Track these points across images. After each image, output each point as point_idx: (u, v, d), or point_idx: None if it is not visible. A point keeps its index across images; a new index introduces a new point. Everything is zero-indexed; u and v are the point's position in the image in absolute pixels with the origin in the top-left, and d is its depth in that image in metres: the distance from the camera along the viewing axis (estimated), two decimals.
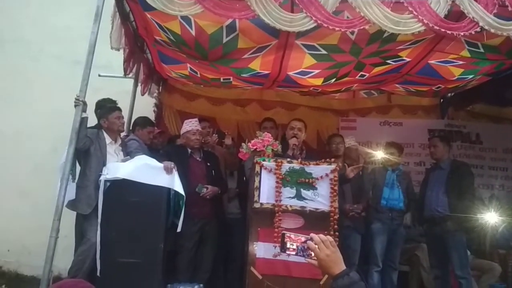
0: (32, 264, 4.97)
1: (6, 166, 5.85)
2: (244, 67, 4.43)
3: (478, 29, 3.30)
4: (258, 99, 6.45)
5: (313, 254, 1.59)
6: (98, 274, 3.66)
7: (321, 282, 3.44)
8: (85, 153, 3.96)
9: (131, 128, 4.95)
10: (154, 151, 4.60)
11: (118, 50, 4.26)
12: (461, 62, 4.31)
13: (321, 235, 1.61)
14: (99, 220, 3.76)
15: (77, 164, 3.96)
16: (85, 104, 3.67)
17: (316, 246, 1.58)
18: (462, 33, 3.32)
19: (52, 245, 3.41)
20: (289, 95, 6.25)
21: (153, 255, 3.81)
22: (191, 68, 4.78)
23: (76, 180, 3.88)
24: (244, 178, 4.66)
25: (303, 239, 1.62)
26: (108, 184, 3.85)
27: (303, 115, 6.07)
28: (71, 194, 3.80)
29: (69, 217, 4.06)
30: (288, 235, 1.64)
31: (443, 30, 3.30)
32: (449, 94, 6.08)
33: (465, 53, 4.06)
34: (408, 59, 4.30)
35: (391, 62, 4.37)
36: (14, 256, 5.61)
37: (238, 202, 4.83)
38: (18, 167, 5.85)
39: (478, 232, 5.03)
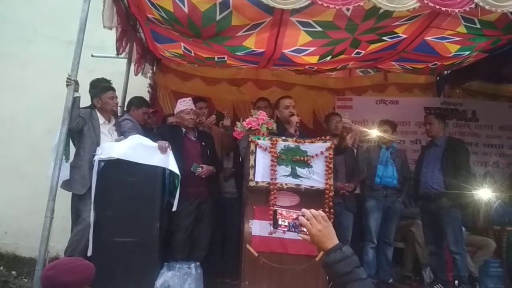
0: (30, 246, 4.97)
1: (1, 149, 5.83)
2: (238, 45, 4.38)
3: (473, 6, 3.26)
4: (254, 78, 6.41)
5: (305, 230, 1.58)
6: (88, 254, 3.67)
7: (317, 259, 3.48)
8: (79, 133, 3.93)
9: (125, 108, 4.92)
10: (148, 131, 4.57)
11: (111, 29, 4.18)
12: (457, 39, 4.27)
13: (313, 210, 1.60)
14: (92, 200, 3.76)
15: (71, 145, 3.94)
16: (77, 83, 3.63)
17: (308, 221, 1.57)
18: (456, 10, 3.28)
19: (48, 226, 3.43)
20: (284, 74, 6.21)
21: (149, 234, 3.82)
22: (185, 47, 4.73)
23: (70, 161, 3.87)
24: (240, 159, 4.66)
25: (294, 215, 1.61)
26: (102, 164, 3.84)
27: (299, 94, 6.08)
28: (65, 174, 3.79)
29: (67, 199, 4.06)
30: (280, 211, 1.63)
31: (437, 6, 3.27)
32: (446, 72, 6.06)
33: (462, 29, 4.02)
34: (404, 36, 4.26)
35: (387, 39, 4.33)
36: (11, 238, 5.63)
37: (234, 181, 4.85)
38: (14, 150, 5.82)
39: (473, 208, 5.07)
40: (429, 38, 4.32)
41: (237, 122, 4.14)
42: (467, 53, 4.66)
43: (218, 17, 3.76)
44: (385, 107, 6.23)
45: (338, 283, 1.51)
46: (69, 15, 5.00)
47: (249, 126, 3.92)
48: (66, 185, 3.90)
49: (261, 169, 3.76)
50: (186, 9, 3.68)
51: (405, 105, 6.24)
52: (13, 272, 5.07)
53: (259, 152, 3.79)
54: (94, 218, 3.76)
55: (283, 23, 3.93)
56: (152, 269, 3.81)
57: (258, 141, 3.80)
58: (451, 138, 5.09)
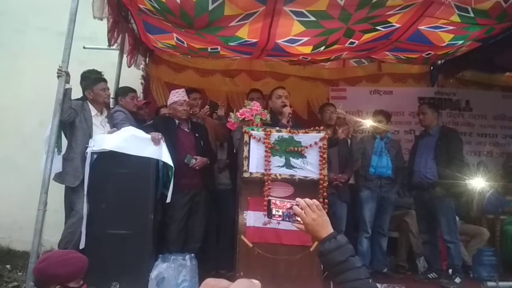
0: (24, 239, 4.95)
1: None
2: (231, 35, 4.34)
3: None
4: (247, 69, 6.36)
5: (299, 219, 1.57)
6: (80, 247, 3.65)
7: (311, 249, 3.48)
8: (71, 125, 3.90)
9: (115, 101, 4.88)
10: (140, 122, 4.54)
11: (101, 19, 4.14)
12: (451, 28, 4.25)
13: (307, 199, 1.58)
14: (85, 192, 3.73)
15: (63, 137, 3.91)
16: (68, 74, 3.60)
17: (302, 210, 1.56)
18: None
19: (40, 219, 3.41)
20: (278, 65, 6.18)
21: (143, 226, 3.81)
22: (177, 38, 4.68)
23: (62, 153, 3.84)
24: (234, 150, 4.65)
25: (288, 205, 1.60)
26: (95, 156, 3.81)
27: (293, 85, 6.05)
28: (57, 167, 3.77)
29: (60, 192, 4.04)
30: (274, 201, 1.62)
31: None
32: (439, 61, 6.04)
33: (455, 18, 4.00)
34: (398, 25, 4.23)
35: (380, 29, 4.30)
36: (5, 231, 5.60)
37: (229, 172, 4.83)
38: (6, 142, 5.78)
39: (466, 197, 5.09)
40: (422, 27, 4.30)
41: (231, 113, 4.13)
42: (461, 42, 4.65)
43: (210, 7, 3.72)
44: (379, 98, 6.23)
45: (333, 272, 1.50)
46: (61, 5, 4.93)
47: (243, 116, 3.91)
48: (59, 177, 3.88)
49: (255, 160, 3.76)
50: None
51: (399, 95, 6.25)
52: (7, 266, 5.06)
53: (253, 143, 3.78)
54: (87, 211, 3.74)
55: (276, 13, 3.89)
56: (146, 261, 3.80)
57: (252, 131, 3.79)
58: (444, 127, 5.10)
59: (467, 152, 5.80)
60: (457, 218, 4.93)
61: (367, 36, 4.48)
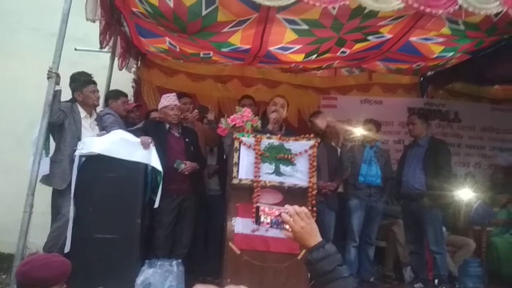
0: (9, 241, 4.86)
1: None
2: (224, 41, 4.35)
3: (457, 7, 3.28)
4: (239, 75, 6.35)
5: (288, 227, 1.56)
6: (65, 250, 3.61)
7: (299, 257, 3.47)
8: (59, 127, 3.86)
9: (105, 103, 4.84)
10: (130, 125, 4.51)
11: (94, 21, 4.11)
12: (441, 40, 4.31)
13: (296, 207, 1.57)
14: (72, 195, 3.69)
15: (51, 139, 3.86)
16: (58, 76, 3.57)
17: (291, 218, 1.55)
18: (440, 11, 3.30)
19: (26, 220, 3.37)
20: (270, 72, 6.20)
21: (130, 231, 3.77)
22: (170, 42, 4.68)
23: (50, 155, 3.79)
24: (224, 156, 4.63)
25: (277, 212, 1.58)
26: (83, 159, 3.78)
27: (285, 92, 6.02)
28: (45, 169, 3.72)
29: (48, 194, 3.98)
30: (262, 208, 1.60)
31: (422, 7, 3.27)
32: (429, 73, 6.10)
33: (446, 30, 4.06)
34: (389, 36, 4.28)
35: (372, 39, 4.35)
36: None
37: (218, 178, 4.81)
38: None
39: (453, 208, 5.14)
40: (413, 38, 4.35)
41: (222, 119, 4.12)
42: (451, 54, 4.71)
43: (204, 12, 3.73)
44: (369, 107, 6.27)
45: (320, 281, 1.49)
46: (54, 6, 4.92)
47: (234, 123, 3.91)
48: (46, 180, 3.83)
49: (244, 166, 3.75)
50: (171, 3, 3.64)
51: (388, 105, 6.29)
52: None
53: (243, 149, 3.77)
54: (74, 214, 3.70)
55: (269, 20, 3.91)
56: (132, 266, 3.76)
57: (242, 138, 3.79)
58: (433, 138, 5.13)
59: (455, 163, 5.83)
60: (444, 229, 4.95)
61: (358, 46, 4.52)
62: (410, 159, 4.85)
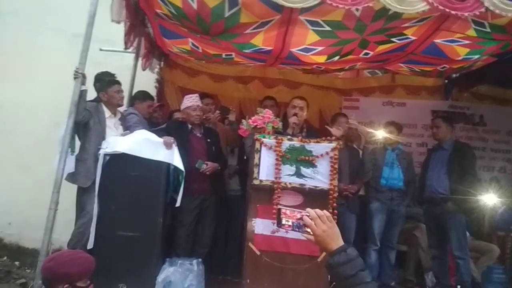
0: (33, 237, 4.99)
1: (7, 140, 5.84)
2: (246, 42, 4.36)
3: (483, 10, 3.23)
4: (261, 76, 6.37)
5: (309, 230, 1.56)
6: (88, 247, 3.68)
7: (319, 260, 3.47)
8: (85, 126, 3.95)
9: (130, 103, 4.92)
10: (154, 125, 4.57)
11: (119, 23, 4.18)
12: (467, 42, 4.23)
13: (318, 210, 1.57)
14: (96, 193, 3.76)
15: (76, 138, 3.95)
16: (84, 76, 3.65)
17: (313, 221, 1.55)
18: (466, 14, 3.25)
19: (51, 217, 3.45)
20: (292, 73, 6.19)
21: (152, 229, 3.83)
22: (192, 43, 4.72)
23: (75, 153, 3.87)
24: (245, 157, 4.65)
25: (298, 215, 1.58)
26: (107, 158, 3.84)
27: (306, 93, 5.99)
28: (70, 167, 3.81)
29: (71, 191, 4.08)
30: (284, 210, 1.60)
31: (447, 10, 3.24)
32: (454, 75, 6.00)
33: (472, 32, 3.98)
34: (413, 38, 4.22)
35: (396, 41, 4.29)
36: (15, 229, 5.65)
37: (238, 179, 4.83)
38: (19, 141, 5.83)
39: (478, 213, 5.03)
40: (438, 40, 4.28)
41: (243, 120, 4.14)
42: (477, 56, 4.62)
43: (226, 14, 3.75)
44: (392, 109, 6.20)
45: (341, 285, 1.49)
46: (76, 7, 5.04)
47: (255, 124, 3.92)
48: (71, 177, 3.92)
49: (265, 167, 3.76)
50: (195, 5, 3.67)
51: (412, 108, 6.20)
52: (16, 263, 5.11)
53: (264, 151, 3.78)
54: (97, 211, 3.77)
55: (291, 22, 3.90)
56: (154, 264, 3.81)
57: (263, 139, 3.80)
58: (458, 142, 5.04)
59: (480, 168, 5.72)
60: (468, 234, 4.86)
61: (382, 48, 4.47)
62: (434, 163, 4.78)
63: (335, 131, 4.13)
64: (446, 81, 6.33)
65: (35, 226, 4.76)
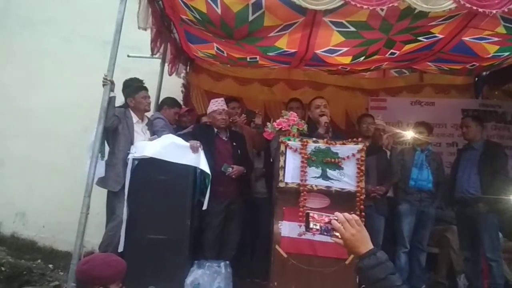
0: (66, 240, 5.13)
1: (40, 146, 6.01)
2: (270, 45, 4.37)
3: None
4: (286, 78, 6.38)
5: (338, 234, 1.56)
6: (119, 250, 3.76)
7: (347, 262, 3.44)
8: (114, 132, 4.04)
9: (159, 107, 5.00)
10: (181, 129, 4.64)
11: (145, 29, 4.26)
12: (496, 39, 4.12)
13: (346, 214, 1.57)
14: (125, 197, 3.84)
15: (106, 143, 4.04)
16: (112, 83, 3.73)
17: (341, 225, 1.55)
18: (494, 11, 3.17)
19: (83, 221, 3.53)
20: (317, 74, 6.16)
21: (180, 232, 3.89)
22: (217, 48, 4.76)
23: (105, 158, 3.97)
24: (271, 159, 4.65)
25: (326, 219, 1.59)
26: (136, 162, 3.93)
27: (332, 94, 6.01)
28: (100, 171, 3.90)
29: (102, 195, 4.18)
30: (312, 214, 1.61)
31: (474, 7, 3.17)
32: (484, 73, 5.86)
33: (501, 29, 3.88)
34: (441, 36, 4.14)
35: (423, 39, 4.22)
36: (49, 232, 5.81)
37: (265, 181, 4.84)
38: (52, 146, 5.99)
39: (510, 214, 4.88)
40: (466, 38, 4.19)
41: (268, 123, 4.15)
42: (507, 54, 4.49)
43: (250, 18, 3.77)
44: (420, 109, 6.09)
45: None
46: (105, 15, 5.18)
47: (280, 127, 3.92)
48: (102, 182, 4.01)
49: (291, 170, 3.75)
50: (219, 10, 3.70)
51: (441, 107, 6.09)
52: (50, 265, 5.23)
53: (289, 153, 3.78)
54: (127, 215, 3.85)
55: (315, 24, 3.89)
56: (182, 267, 3.87)
57: (289, 142, 3.79)
58: (488, 141, 4.93)
59: None
60: (501, 235, 4.73)
61: (408, 47, 4.40)
62: (465, 163, 4.68)
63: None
64: (476, 79, 6.19)
65: (68, 229, 4.90)
